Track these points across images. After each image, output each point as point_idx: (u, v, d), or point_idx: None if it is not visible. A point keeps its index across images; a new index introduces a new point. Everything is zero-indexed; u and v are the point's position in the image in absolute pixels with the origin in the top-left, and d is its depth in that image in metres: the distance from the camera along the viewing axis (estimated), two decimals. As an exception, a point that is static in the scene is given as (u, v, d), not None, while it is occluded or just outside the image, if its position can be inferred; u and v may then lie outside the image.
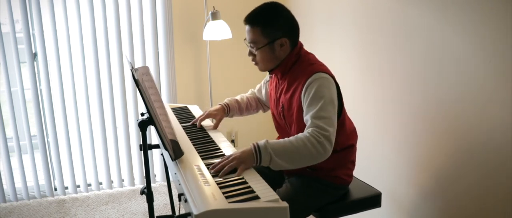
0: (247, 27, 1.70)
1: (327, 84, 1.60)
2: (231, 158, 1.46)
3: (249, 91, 2.16)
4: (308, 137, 1.50)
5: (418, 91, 2.00)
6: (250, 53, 1.74)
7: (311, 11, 2.84)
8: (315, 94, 1.57)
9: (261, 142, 1.50)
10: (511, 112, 1.57)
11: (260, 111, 2.17)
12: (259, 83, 2.14)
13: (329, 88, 1.60)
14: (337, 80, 1.68)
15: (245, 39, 1.74)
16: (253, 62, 1.76)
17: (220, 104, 2.04)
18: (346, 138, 1.74)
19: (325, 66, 1.70)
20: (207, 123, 2.01)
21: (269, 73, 1.82)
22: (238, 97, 2.10)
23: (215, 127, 1.95)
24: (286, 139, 1.54)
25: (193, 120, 2.01)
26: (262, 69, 1.77)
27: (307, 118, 1.58)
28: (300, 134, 1.54)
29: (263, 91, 2.08)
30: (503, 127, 1.61)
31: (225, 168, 1.42)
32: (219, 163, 1.46)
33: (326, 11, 2.69)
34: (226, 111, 2.03)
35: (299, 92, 1.64)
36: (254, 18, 1.68)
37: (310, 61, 1.70)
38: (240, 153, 1.48)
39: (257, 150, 1.48)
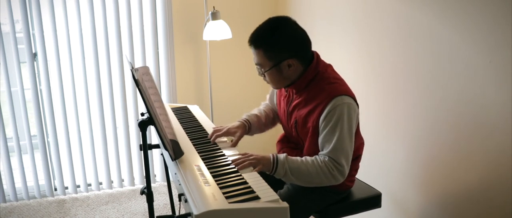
0: (251, 49, 1.61)
1: (348, 112, 1.54)
2: (252, 157, 1.53)
3: (262, 104, 2.00)
4: (323, 167, 1.53)
5: (418, 91, 2.00)
6: (260, 73, 1.67)
7: (311, 10, 2.84)
8: (335, 123, 1.53)
9: (281, 156, 1.54)
10: (511, 112, 1.57)
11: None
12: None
13: (349, 116, 1.55)
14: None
15: (253, 58, 1.66)
16: (266, 82, 1.69)
17: (239, 121, 1.86)
18: (355, 149, 1.70)
19: (346, 85, 1.63)
20: (222, 139, 1.80)
21: (284, 89, 1.74)
22: (255, 111, 1.93)
23: (234, 145, 1.74)
24: (303, 159, 1.56)
25: (209, 135, 1.79)
26: (275, 88, 1.73)
27: (324, 145, 1.57)
28: (317, 159, 1.55)
29: (275, 99, 1.96)
30: (503, 126, 1.61)
31: (245, 163, 1.49)
32: (240, 157, 1.53)
33: (327, 10, 2.68)
34: (247, 127, 1.85)
35: (317, 113, 1.57)
36: (256, 41, 1.58)
37: (330, 80, 1.61)
38: (261, 156, 1.54)
39: (275, 162, 1.53)
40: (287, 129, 1.80)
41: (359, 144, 1.75)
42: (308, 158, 1.57)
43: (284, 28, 1.57)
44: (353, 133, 1.59)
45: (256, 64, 1.64)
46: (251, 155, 1.54)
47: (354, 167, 1.78)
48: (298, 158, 1.57)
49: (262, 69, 1.63)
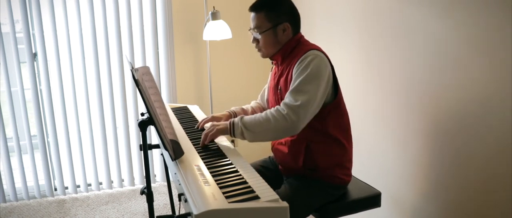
0: (252, 15, 1.77)
1: (317, 60, 1.64)
2: (210, 127, 1.69)
3: (252, 102, 2.12)
4: (275, 111, 1.61)
5: (418, 90, 2.01)
6: (254, 40, 1.80)
7: (311, 10, 2.84)
8: (302, 69, 1.63)
9: (236, 118, 1.67)
10: (511, 112, 1.57)
11: None
12: (259, 84, 2.14)
13: (319, 65, 1.63)
14: (334, 70, 1.71)
15: (249, 29, 1.80)
16: (257, 49, 1.82)
17: (226, 111, 2.02)
18: (340, 123, 1.75)
19: (321, 48, 1.75)
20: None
21: (271, 59, 1.85)
22: (243, 106, 2.08)
23: None
24: (258, 114, 1.66)
25: (198, 123, 1.95)
26: (265, 55, 1.81)
27: (289, 90, 1.65)
28: (273, 108, 1.64)
29: (266, 92, 2.06)
30: (503, 126, 1.61)
31: (208, 138, 1.67)
32: (204, 134, 1.68)
33: (327, 10, 2.69)
34: (232, 117, 1.99)
35: (292, 69, 1.68)
36: (259, 4, 1.75)
37: (308, 44, 1.76)
38: (220, 123, 1.71)
39: (231, 124, 1.66)
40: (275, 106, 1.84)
41: (344, 123, 1.77)
42: (264, 111, 1.67)
43: None
44: (320, 82, 1.62)
45: (254, 28, 1.77)
46: (211, 129, 1.68)
47: (347, 157, 1.79)
48: (254, 114, 1.69)
49: (259, 31, 1.75)
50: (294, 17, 1.77)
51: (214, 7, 2.91)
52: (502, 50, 1.57)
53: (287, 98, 1.62)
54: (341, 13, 2.53)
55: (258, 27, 1.76)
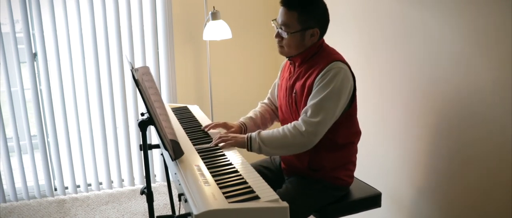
0: (282, 9, 1.68)
1: (341, 75, 1.61)
2: (230, 136, 1.67)
3: (259, 105, 2.05)
4: (291, 128, 1.61)
5: (418, 90, 2.01)
6: (278, 35, 1.72)
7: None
8: (326, 83, 1.60)
9: (254, 133, 1.66)
10: (511, 111, 1.57)
11: (275, 122, 2.06)
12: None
13: (342, 80, 1.61)
14: (355, 82, 1.71)
15: (274, 19, 1.72)
16: (278, 45, 1.74)
17: (238, 122, 1.94)
18: (350, 133, 1.74)
19: (344, 58, 1.72)
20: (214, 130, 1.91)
21: (288, 59, 1.79)
22: (251, 114, 2.00)
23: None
24: (275, 129, 1.65)
25: (210, 125, 1.89)
26: (285, 54, 1.76)
27: (309, 102, 1.63)
28: (290, 124, 1.64)
29: (276, 90, 2.00)
30: (503, 126, 1.61)
31: (224, 144, 1.64)
32: (219, 137, 1.67)
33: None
34: (243, 130, 1.92)
35: (314, 76, 1.65)
36: (293, 2, 1.65)
37: (331, 52, 1.73)
38: (237, 135, 1.69)
39: (249, 139, 1.65)
40: (285, 109, 1.82)
41: (355, 131, 1.77)
42: (280, 127, 1.66)
43: (320, 0, 1.69)
44: (341, 99, 1.62)
45: (281, 24, 1.69)
46: (229, 134, 1.68)
47: (351, 158, 1.79)
48: (271, 130, 1.67)
49: (287, 31, 1.67)
50: (324, 23, 1.70)
51: (214, 7, 2.91)
52: (503, 50, 1.57)
53: (308, 113, 1.60)
54: (341, 13, 2.53)
55: (286, 26, 1.67)
